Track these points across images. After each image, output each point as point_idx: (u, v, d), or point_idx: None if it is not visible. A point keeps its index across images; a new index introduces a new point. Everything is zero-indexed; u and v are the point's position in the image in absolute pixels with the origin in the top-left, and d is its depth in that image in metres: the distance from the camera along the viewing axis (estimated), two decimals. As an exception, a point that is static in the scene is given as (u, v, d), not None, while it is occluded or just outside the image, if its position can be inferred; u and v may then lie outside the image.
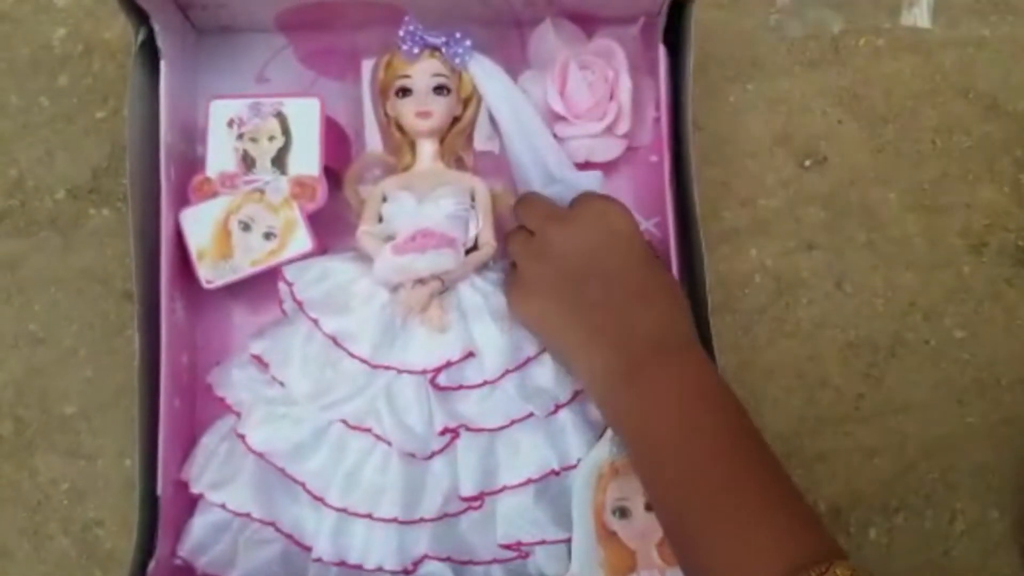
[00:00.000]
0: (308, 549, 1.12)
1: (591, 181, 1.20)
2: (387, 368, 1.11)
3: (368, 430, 1.11)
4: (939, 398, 1.31)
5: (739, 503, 0.89)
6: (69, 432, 1.26)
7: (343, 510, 1.10)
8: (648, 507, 1.09)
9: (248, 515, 1.12)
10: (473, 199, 1.18)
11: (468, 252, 1.16)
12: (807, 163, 1.35)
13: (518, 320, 1.11)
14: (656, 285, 1.05)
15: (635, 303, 1.02)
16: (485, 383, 1.12)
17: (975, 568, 1.28)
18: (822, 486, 1.29)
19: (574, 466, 1.13)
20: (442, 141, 1.20)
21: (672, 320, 1.04)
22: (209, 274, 1.16)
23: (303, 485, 1.11)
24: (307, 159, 1.17)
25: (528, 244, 1.08)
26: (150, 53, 1.14)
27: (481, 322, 1.13)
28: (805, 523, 0.89)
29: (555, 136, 1.22)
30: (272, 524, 1.12)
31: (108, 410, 1.26)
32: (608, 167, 1.25)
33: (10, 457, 1.26)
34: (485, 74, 1.21)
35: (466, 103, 1.22)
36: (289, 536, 1.12)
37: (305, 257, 1.16)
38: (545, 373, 1.09)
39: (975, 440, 1.31)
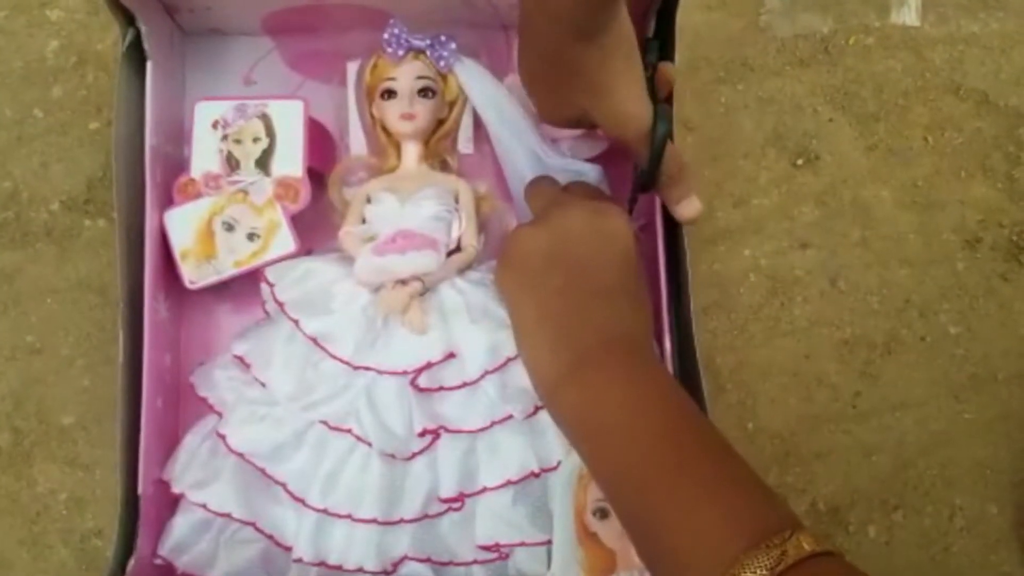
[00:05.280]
0: (288, 549, 1.07)
1: (592, 173, 1.15)
2: (368, 369, 1.07)
3: (349, 431, 1.06)
4: (936, 394, 1.26)
5: (692, 481, 0.83)
6: (67, 442, 1.21)
7: (323, 511, 1.06)
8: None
9: (229, 515, 1.07)
10: (457, 201, 1.14)
11: (451, 254, 1.12)
12: (799, 162, 1.31)
13: (496, 289, 1.07)
14: (624, 289, 0.99)
15: (595, 299, 0.96)
16: (465, 384, 1.07)
17: (975, 564, 1.23)
18: (820, 485, 1.23)
19: (554, 467, 1.08)
20: (427, 143, 1.16)
21: (629, 322, 0.97)
22: (192, 274, 1.12)
23: (284, 486, 1.07)
24: (291, 161, 1.13)
25: (524, 223, 1.03)
26: (137, 56, 1.11)
27: (462, 323, 1.08)
28: (763, 498, 0.82)
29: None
30: (253, 524, 1.07)
31: (106, 420, 1.21)
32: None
33: (8, 468, 1.21)
34: (471, 76, 1.17)
35: (451, 106, 1.18)
36: (270, 536, 1.08)
37: (289, 258, 1.12)
38: (525, 373, 1.02)
39: (973, 436, 1.25)
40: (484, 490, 1.06)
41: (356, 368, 1.06)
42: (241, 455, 1.06)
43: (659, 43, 1.04)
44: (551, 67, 0.95)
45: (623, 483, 0.87)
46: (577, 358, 0.93)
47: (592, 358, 0.92)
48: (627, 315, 0.97)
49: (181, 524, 1.08)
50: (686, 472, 0.83)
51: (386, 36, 1.13)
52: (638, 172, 1.02)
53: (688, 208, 1.02)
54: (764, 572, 0.73)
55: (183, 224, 1.11)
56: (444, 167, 1.18)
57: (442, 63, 1.15)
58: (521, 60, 1.00)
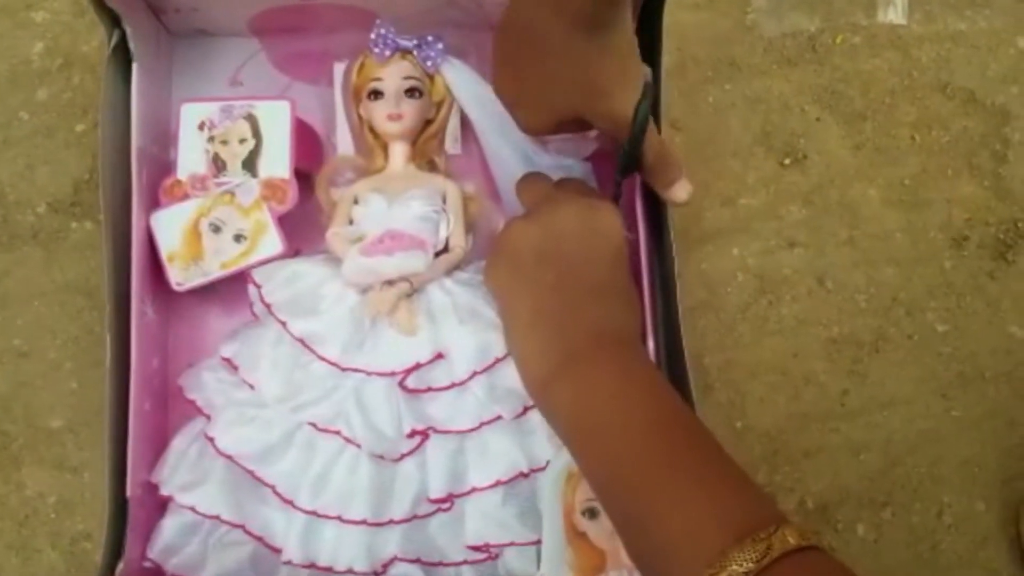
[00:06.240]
0: (278, 551, 1.07)
1: (579, 170, 1.16)
2: (356, 370, 1.07)
3: (337, 432, 1.06)
4: (923, 392, 1.26)
5: (681, 477, 0.84)
6: (55, 445, 1.20)
7: (313, 512, 1.05)
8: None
9: (218, 517, 1.06)
10: (445, 201, 1.14)
11: (439, 254, 1.12)
12: (787, 161, 1.31)
13: (486, 284, 1.06)
14: (615, 286, 0.99)
15: (587, 296, 0.97)
16: (453, 385, 1.07)
17: (964, 561, 1.22)
18: (809, 483, 1.23)
19: (543, 468, 1.07)
20: (414, 144, 1.16)
21: (619, 319, 0.98)
22: (179, 276, 1.11)
23: (273, 487, 1.06)
24: (278, 161, 1.12)
25: (517, 219, 1.03)
26: (123, 57, 1.10)
27: (450, 324, 1.08)
28: (749, 493, 0.83)
29: (526, 138, 1.18)
30: (242, 526, 1.07)
31: (94, 423, 1.20)
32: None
33: None
34: (458, 76, 1.17)
35: (439, 106, 1.18)
36: (259, 538, 1.07)
37: (276, 259, 1.11)
38: (514, 374, 1.02)
39: (960, 434, 1.25)
40: (473, 490, 1.06)
41: (344, 369, 1.06)
42: (230, 457, 1.06)
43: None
44: (544, 63, 0.94)
45: (612, 478, 0.87)
46: (568, 354, 0.93)
47: (583, 354, 0.93)
48: (619, 312, 0.97)
49: (170, 526, 1.08)
50: (675, 468, 0.84)
51: (373, 36, 1.13)
52: (620, 154, 1.02)
53: (680, 190, 1.02)
54: (750, 565, 0.73)
55: (170, 226, 1.11)
56: (432, 167, 1.17)
57: (429, 63, 1.14)
58: (505, 66, 1.00)
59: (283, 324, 1.06)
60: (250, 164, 1.12)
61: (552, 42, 0.91)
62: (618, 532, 0.88)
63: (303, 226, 1.15)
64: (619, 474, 0.86)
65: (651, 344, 1.08)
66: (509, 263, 1.00)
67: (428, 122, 1.16)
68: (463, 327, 1.06)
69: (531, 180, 1.08)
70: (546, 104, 0.99)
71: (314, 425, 1.06)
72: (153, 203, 1.12)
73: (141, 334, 1.07)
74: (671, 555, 0.79)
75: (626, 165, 1.01)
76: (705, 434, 0.87)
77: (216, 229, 1.10)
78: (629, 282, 1.00)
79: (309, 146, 1.18)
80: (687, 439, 0.86)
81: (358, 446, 1.05)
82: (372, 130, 1.15)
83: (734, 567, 0.73)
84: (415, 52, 1.14)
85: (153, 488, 1.08)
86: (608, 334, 0.94)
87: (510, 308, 1.00)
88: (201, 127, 1.12)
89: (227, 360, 1.09)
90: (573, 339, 0.94)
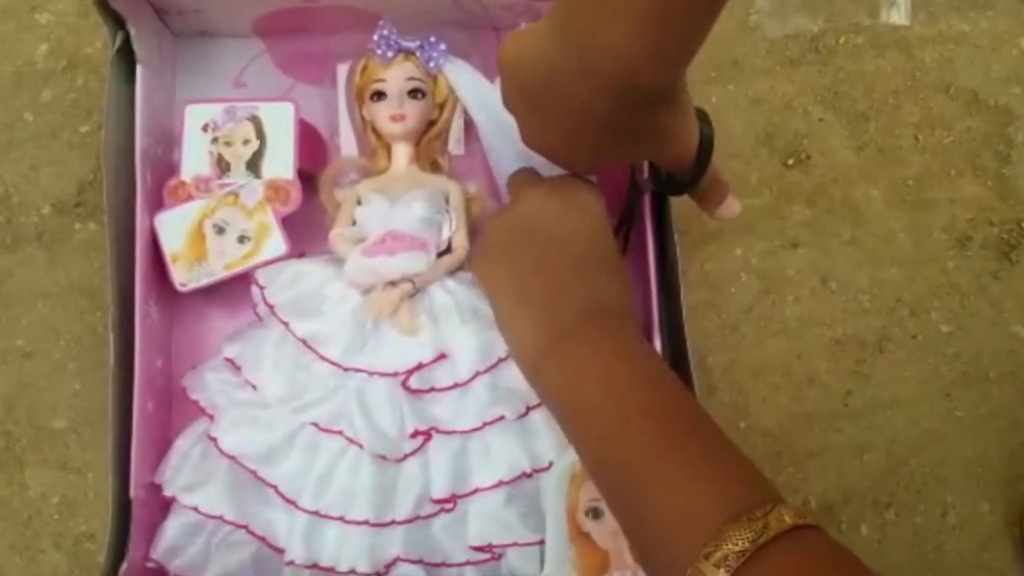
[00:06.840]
0: (281, 551, 1.06)
1: None
2: (358, 371, 1.07)
3: (340, 433, 1.06)
4: (927, 393, 1.26)
5: (675, 455, 0.84)
6: (59, 446, 1.21)
7: (315, 513, 1.05)
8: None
9: (221, 517, 1.06)
10: (447, 202, 1.14)
11: (441, 255, 1.12)
12: (790, 162, 1.31)
13: (473, 277, 1.08)
14: (599, 260, 0.99)
15: (571, 272, 0.97)
16: (456, 385, 1.07)
17: (968, 562, 1.22)
18: (813, 483, 1.23)
19: (546, 468, 1.07)
20: (417, 144, 1.16)
21: (607, 293, 0.97)
22: (183, 277, 1.11)
23: (275, 488, 1.06)
24: (281, 163, 1.13)
25: (502, 208, 1.04)
26: (127, 59, 1.11)
27: (452, 324, 1.08)
28: (745, 472, 0.83)
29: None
30: (245, 526, 1.06)
31: (97, 423, 1.20)
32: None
33: (0, 472, 1.20)
34: (460, 77, 1.17)
35: (441, 107, 1.18)
36: (262, 538, 1.07)
37: (279, 260, 1.12)
38: (516, 374, 1.02)
39: (964, 434, 1.25)
40: (476, 491, 1.05)
41: (347, 370, 1.06)
42: (233, 457, 1.05)
43: None
44: (602, 131, 0.87)
45: (606, 458, 0.87)
46: (557, 333, 0.93)
47: (572, 332, 0.93)
48: (604, 286, 0.97)
49: (173, 527, 1.08)
50: (668, 446, 0.84)
51: (376, 38, 1.13)
52: (655, 178, 1.04)
53: (730, 208, 1.02)
54: (747, 544, 0.73)
55: (174, 227, 1.11)
56: (435, 168, 1.17)
57: (432, 64, 1.14)
58: (542, 132, 0.93)
59: (286, 325, 1.07)
60: (254, 165, 1.12)
61: (612, 116, 0.84)
62: (613, 512, 0.88)
63: (307, 227, 1.15)
64: (612, 453, 0.86)
65: (657, 343, 1.08)
66: (490, 251, 1.01)
67: (431, 123, 1.17)
68: (465, 327, 1.07)
69: (517, 174, 1.08)
70: (599, 158, 0.95)
71: (316, 425, 1.06)
72: (157, 204, 1.12)
73: (145, 335, 1.07)
74: (666, 534, 0.80)
75: (678, 189, 1.00)
76: (699, 412, 0.87)
77: (220, 230, 1.11)
78: (614, 255, 1.00)
79: (312, 147, 1.18)
80: (680, 417, 0.86)
81: (361, 446, 1.05)
82: (375, 131, 1.15)
83: (730, 546, 0.73)
84: (418, 53, 1.14)
85: (156, 489, 1.08)
86: (595, 310, 0.94)
87: (497, 294, 1.00)
88: (205, 128, 1.13)
89: (230, 361, 1.09)
90: (560, 316, 0.94)
